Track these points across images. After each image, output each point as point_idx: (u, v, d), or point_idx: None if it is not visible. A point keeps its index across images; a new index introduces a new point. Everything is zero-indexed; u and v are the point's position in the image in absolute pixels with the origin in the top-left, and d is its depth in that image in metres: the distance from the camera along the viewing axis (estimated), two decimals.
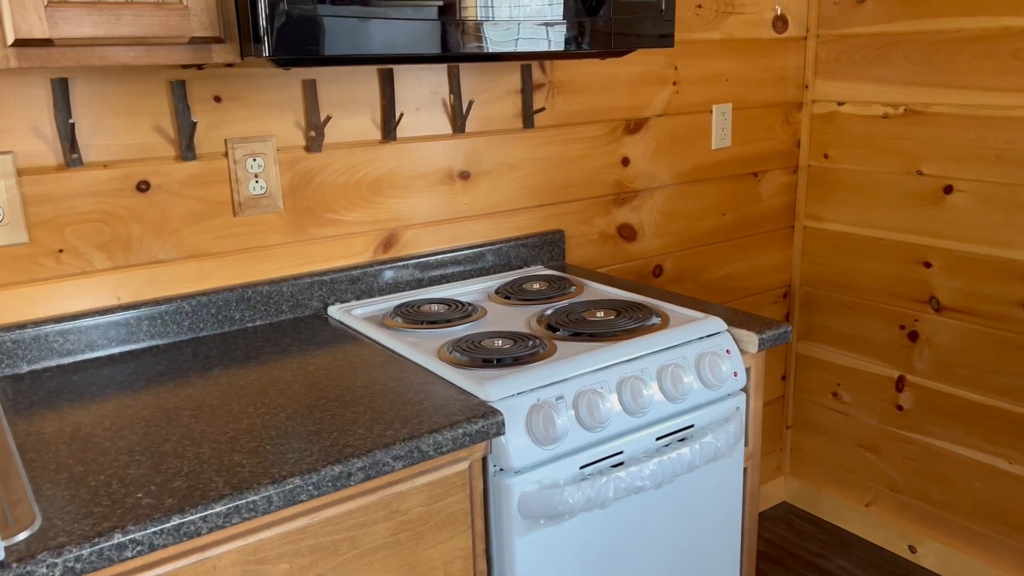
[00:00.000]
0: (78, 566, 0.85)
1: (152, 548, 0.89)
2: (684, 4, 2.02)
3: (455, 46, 1.27)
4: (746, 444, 1.52)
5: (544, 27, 1.36)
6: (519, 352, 1.30)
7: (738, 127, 2.22)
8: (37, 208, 1.33)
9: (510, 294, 1.65)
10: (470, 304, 1.57)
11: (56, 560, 0.84)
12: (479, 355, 1.30)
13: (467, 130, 1.75)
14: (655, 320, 1.46)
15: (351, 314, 1.54)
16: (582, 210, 1.97)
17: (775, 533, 2.48)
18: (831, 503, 2.51)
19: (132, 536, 0.88)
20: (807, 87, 2.34)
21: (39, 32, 1.01)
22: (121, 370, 1.33)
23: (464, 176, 1.77)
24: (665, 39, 1.50)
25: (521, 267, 1.87)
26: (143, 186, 1.41)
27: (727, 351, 1.40)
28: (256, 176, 1.50)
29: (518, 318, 1.52)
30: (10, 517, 0.89)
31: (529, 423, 1.19)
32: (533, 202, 1.88)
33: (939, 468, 2.23)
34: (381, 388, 1.22)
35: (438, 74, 1.69)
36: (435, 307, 1.55)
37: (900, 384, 2.27)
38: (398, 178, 1.68)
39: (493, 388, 1.19)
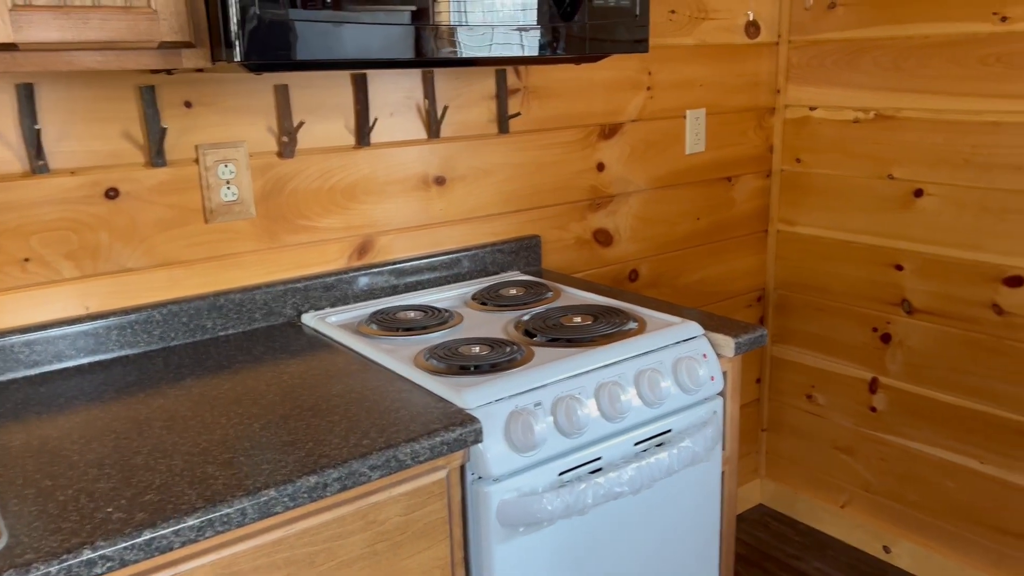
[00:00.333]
0: None
1: (123, 564, 0.87)
2: (658, 10, 2.03)
3: (429, 51, 1.26)
4: (723, 448, 1.52)
5: (518, 32, 1.35)
6: (496, 358, 1.30)
7: (712, 132, 2.23)
8: (2, 216, 1.30)
9: (487, 300, 1.64)
10: (446, 310, 1.56)
11: None
12: (456, 362, 1.29)
13: (442, 135, 1.74)
14: (632, 325, 1.46)
15: (326, 322, 1.53)
16: (558, 215, 1.97)
17: (752, 535, 2.49)
18: (807, 505, 2.53)
19: (102, 552, 0.86)
20: (779, 92, 2.36)
21: (3, 36, 0.99)
22: (90, 381, 1.30)
23: (439, 181, 1.76)
24: (639, 44, 1.50)
25: (497, 273, 1.86)
26: (112, 193, 1.39)
27: (704, 355, 1.40)
28: (228, 182, 1.48)
29: (495, 324, 1.51)
30: None
31: (507, 430, 1.18)
32: (509, 207, 1.88)
33: (912, 469, 2.25)
34: (357, 397, 1.21)
35: (412, 79, 1.68)
36: (411, 314, 1.54)
37: (873, 386, 2.30)
38: (372, 184, 1.66)
39: (470, 395, 1.18)
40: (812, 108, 2.29)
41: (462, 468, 1.17)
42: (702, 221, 2.28)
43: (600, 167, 2.02)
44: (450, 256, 1.78)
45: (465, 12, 1.29)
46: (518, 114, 1.83)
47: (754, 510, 2.63)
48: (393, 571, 1.11)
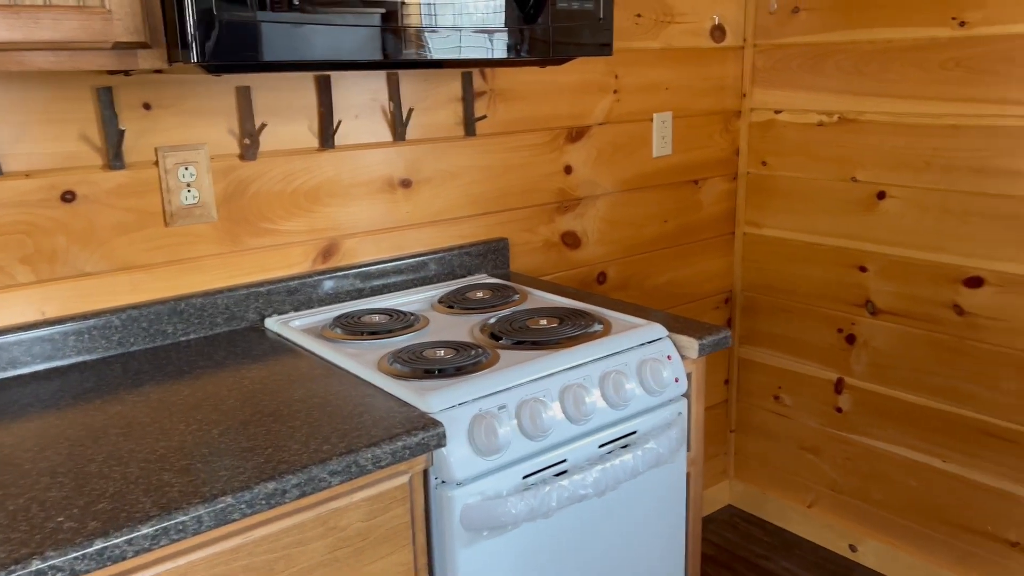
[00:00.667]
0: None
1: (73, 574, 0.85)
2: (623, 13, 2.04)
3: (394, 53, 1.26)
4: (688, 449, 1.53)
5: (483, 35, 1.35)
6: (461, 362, 1.29)
7: (678, 135, 2.24)
8: None
9: (453, 303, 1.63)
10: (412, 314, 1.55)
11: None
12: (420, 366, 1.28)
13: (408, 138, 1.73)
14: (597, 327, 1.46)
15: (289, 326, 1.51)
16: (526, 218, 1.97)
17: (720, 536, 2.50)
18: (775, 505, 2.55)
19: (51, 563, 0.84)
20: (745, 96, 2.38)
21: None
22: (46, 388, 1.28)
23: (405, 184, 1.75)
24: (604, 48, 1.51)
25: (465, 276, 1.85)
26: (68, 196, 1.36)
27: (668, 357, 1.41)
28: (188, 185, 1.46)
29: (461, 327, 1.50)
30: None
31: (471, 434, 1.18)
32: (476, 210, 1.87)
33: (877, 468, 2.27)
34: (319, 402, 1.19)
35: (377, 81, 1.67)
36: (376, 317, 1.53)
37: (839, 386, 2.32)
38: (337, 186, 1.65)
39: (434, 399, 1.17)
40: (777, 111, 2.32)
41: (425, 473, 1.16)
42: (669, 224, 2.29)
43: (568, 170, 2.02)
44: (417, 259, 1.77)
45: (435, 15, 1.28)
46: (484, 116, 1.83)
47: (723, 511, 2.64)
48: None
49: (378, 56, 1.24)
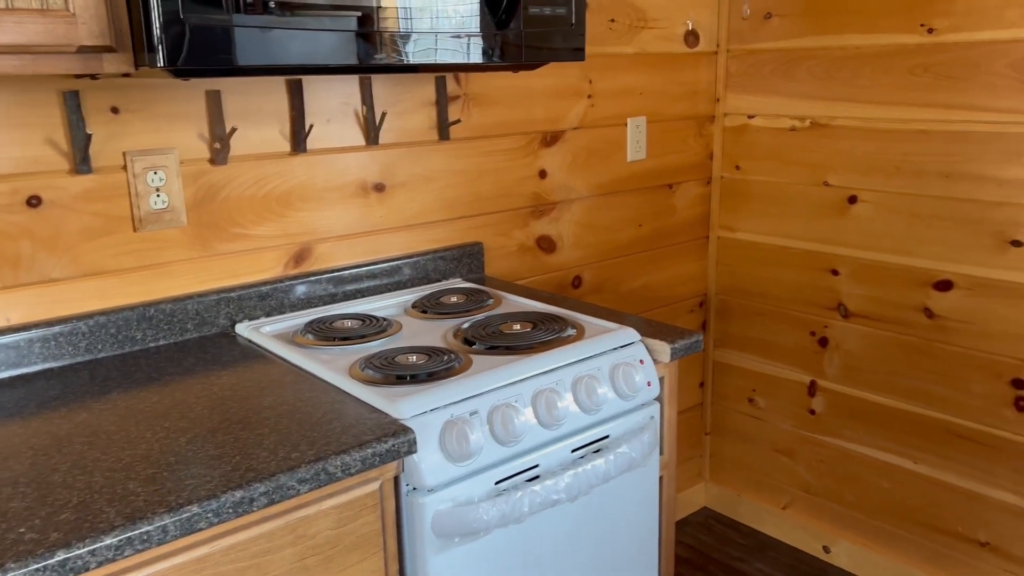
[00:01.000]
0: None
1: None
2: (597, 18, 2.05)
3: (368, 57, 1.25)
4: (661, 453, 1.53)
5: (456, 39, 1.35)
6: (433, 367, 1.28)
7: (653, 140, 2.25)
8: None
9: (427, 308, 1.63)
10: (385, 319, 1.54)
11: None
12: (392, 372, 1.27)
13: (381, 142, 1.72)
14: (570, 332, 1.46)
15: (260, 331, 1.50)
16: (501, 222, 1.97)
17: (696, 539, 2.51)
18: (750, 507, 2.56)
19: (12, 575, 0.82)
20: (718, 100, 2.39)
21: None
22: (10, 396, 1.26)
23: (379, 188, 1.74)
24: (577, 53, 1.51)
25: (439, 280, 1.85)
26: (34, 201, 1.34)
27: (640, 361, 1.41)
28: (157, 190, 1.45)
29: (434, 332, 1.50)
30: None
31: (442, 440, 1.17)
32: (451, 214, 1.87)
33: (850, 469, 2.29)
34: (288, 409, 1.18)
35: (349, 85, 1.66)
36: (348, 323, 1.52)
37: (812, 389, 2.34)
38: (310, 191, 1.64)
39: (405, 405, 1.16)
40: (750, 116, 2.33)
41: (396, 479, 1.16)
42: (644, 228, 2.30)
43: (542, 174, 2.03)
44: (390, 263, 1.76)
45: (411, 19, 1.28)
46: (459, 121, 1.83)
47: (699, 513, 2.66)
48: None
49: (352, 60, 1.23)
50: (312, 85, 1.61)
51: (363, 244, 1.74)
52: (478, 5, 1.36)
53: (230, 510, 0.96)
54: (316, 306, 1.66)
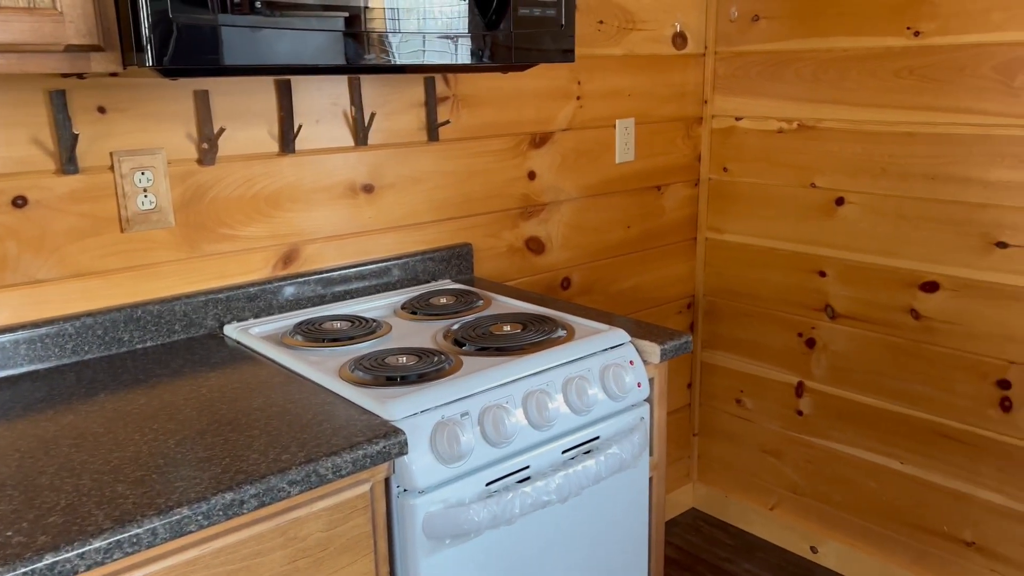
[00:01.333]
0: None
1: None
2: (586, 20, 2.05)
3: (356, 58, 1.25)
4: (651, 454, 1.54)
5: (446, 40, 1.35)
6: (424, 369, 1.28)
7: (641, 141, 2.26)
8: None
9: (416, 309, 1.62)
10: (375, 320, 1.54)
11: None
12: (382, 373, 1.27)
13: (370, 142, 1.72)
14: (561, 333, 1.46)
15: (248, 333, 1.49)
16: (490, 223, 1.97)
17: (684, 539, 2.52)
18: (737, 508, 2.57)
19: None
20: (706, 102, 2.40)
21: None
22: None
23: (368, 189, 1.73)
24: (566, 54, 1.51)
25: (428, 281, 1.85)
26: (19, 201, 1.33)
27: (630, 362, 1.41)
28: (145, 190, 1.44)
29: (424, 334, 1.49)
30: None
31: (433, 441, 1.17)
32: (440, 215, 1.87)
33: (837, 470, 2.31)
34: (278, 410, 1.18)
35: (338, 85, 1.65)
36: (338, 324, 1.52)
37: (799, 390, 2.35)
38: (298, 191, 1.63)
39: (396, 407, 1.16)
40: (738, 118, 2.34)
41: (387, 481, 1.15)
42: (633, 229, 2.30)
43: (532, 175, 2.03)
44: (379, 265, 1.76)
45: (398, 20, 1.27)
46: (448, 122, 1.82)
47: (687, 514, 2.66)
48: None
49: (340, 61, 1.23)
50: (301, 85, 1.60)
51: (352, 245, 1.73)
52: (467, 6, 1.36)
53: (220, 512, 0.95)
54: (305, 307, 1.65)
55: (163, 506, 0.92)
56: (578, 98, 2.08)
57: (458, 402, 1.22)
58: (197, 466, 1.02)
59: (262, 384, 1.28)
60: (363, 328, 1.49)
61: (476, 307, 1.63)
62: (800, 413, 2.36)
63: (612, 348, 1.42)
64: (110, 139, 1.40)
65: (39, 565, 0.84)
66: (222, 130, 1.50)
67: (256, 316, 1.59)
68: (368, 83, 1.69)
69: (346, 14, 1.22)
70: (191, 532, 0.93)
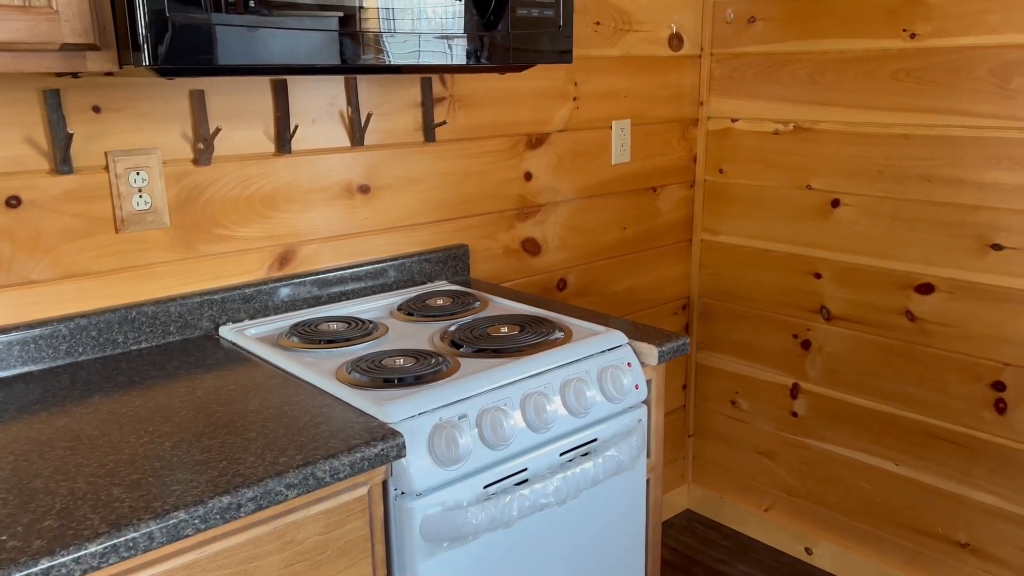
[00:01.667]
0: None
1: None
2: (582, 21, 2.05)
3: (352, 58, 1.24)
4: (648, 456, 1.53)
5: (442, 40, 1.34)
6: (421, 370, 1.28)
7: (637, 143, 2.26)
8: None
9: (413, 310, 1.62)
10: (371, 322, 1.53)
11: None
12: (379, 375, 1.26)
13: (366, 143, 1.71)
14: (558, 335, 1.45)
15: (244, 334, 1.48)
16: (486, 224, 1.96)
17: (679, 541, 2.52)
18: (732, 509, 2.57)
19: None
20: (702, 104, 2.40)
21: None
22: None
23: (364, 190, 1.73)
24: (564, 55, 1.51)
25: (424, 283, 1.84)
26: (13, 201, 1.32)
27: (628, 364, 1.41)
28: (140, 191, 1.42)
29: (421, 335, 1.49)
30: None
31: (431, 444, 1.16)
32: (436, 216, 1.86)
33: (832, 472, 2.31)
34: (275, 412, 1.17)
35: (335, 85, 1.65)
36: (334, 325, 1.51)
37: (794, 391, 2.35)
38: (294, 192, 1.62)
39: (393, 409, 1.15)
40: (734, 120, 2.34)
41: (384, 484, 1.15)
42: (629, 230, 2.30)
43: (528, 176, 2.02)
44: (375, 266, 1.75)
45: (393, 20, 1.27)
46: (444, 123, 1.82)
47: (682, 515, 2.66)
48: None
49: (336, 61, 1.22)
50: (297, 85, 1.59)
51: (348, 246, 1.72)
52: (464, 6, 1.35)
53: (217, 516, 0.94)
54: (301, 308, 1.64)
55: (159, 510, 0.92)
56: (574, 99, 2.08)
57: (456, 404, 1.21)
58: (193, 469, 1.01)
59: (258, 386, 1.27)
60: (359, 330, 1.48)
61: (473, 308, 1.62)
62: (795, 415, 2.36)
63: (610, 350, 1.42)
64: (105, 139, 1.39)
65: (34, 570, 0.83)
66: (218, 130, 1.49)
67: (252, 317, 1.58)
68: (364, 83, 1.68)
69: (341, 14, 1.21)
70: (188, 536, 0.93)
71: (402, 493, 1.15)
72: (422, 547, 1.16)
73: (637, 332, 1.49)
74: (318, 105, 1.63)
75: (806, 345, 2.30)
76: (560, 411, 1.31)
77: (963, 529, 2.07)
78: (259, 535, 1.01)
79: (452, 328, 1.50)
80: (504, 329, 1.47)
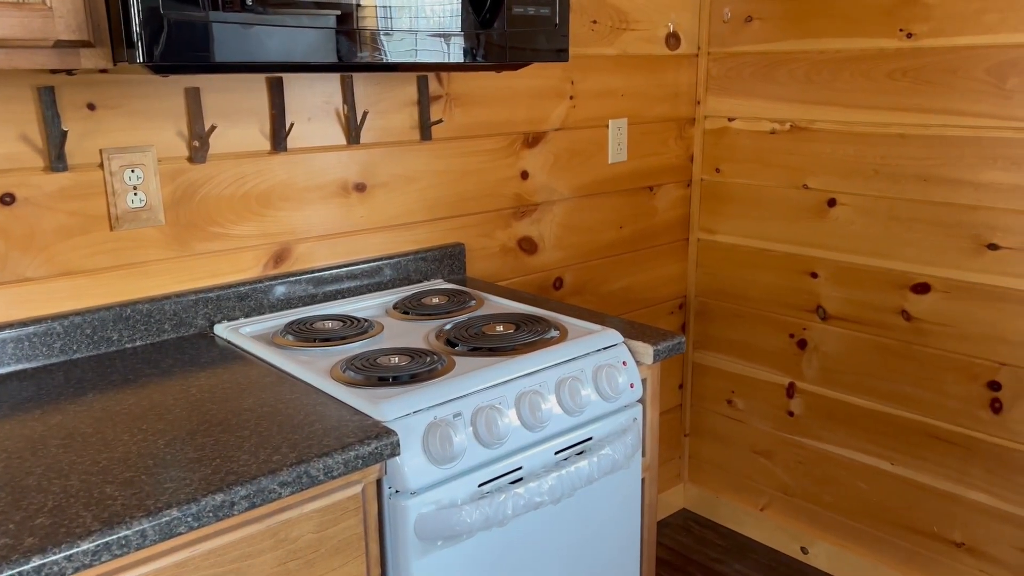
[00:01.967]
0: None
1: None
2: (579, 19, 2.04)
3: (348, 56, 1.24)
4: (643, 455, 1.53)
5: (439, 39, 1.34)
6: (416, 369, 1.27)
7: (634, 142, 2.25)
8: None
9: (408, 309, 1.61)
10: (366, 320, 1.53)
11: None
12: (374, 373, 1.26)
13: (362, 141, 1.71)
14: (553, 333, 1.45)
15: (239, 332, 1.48)
16: (482, 223, 1.96)
17: (675, 540, 2.52)
18: (728, 508, 2.57)
19: None
20: (699, 103, 2.40)
21: None
22: None
23: (360, 188, 1.72)
24: (560, 54, 1.51)
25: (420, 281, 1.84)
26: (7, 199, 1.32)
27: (623, 363, 1.41)
28: (135, 188, 1.42)
29: (416, 334, 1.49)
30: None
31: (426, 442, 1.16)
32: (432, 215, 1.86)
33: (828, 471, 2.31)
34: (269, 411, 1.17)
35: (331, 84, 1.64)
36: (329, 324, 1.51)
37: (791, 391, 2.35)
38: (290, 190, 1.62)
39: (388, 407, 1.15)
40: (731, 119, 2.34)
41: (378, 482, 1.15)
42: (625, 229, 2.30)
43: (524, 175, 2.02)
44: (371, 264, 1.75)
45: (390, 18, 1.27)
46: (441, 121, 1.82)
47: (678, 514, 2.66)
48: None
49: (333, 59, 1.22)
50: (293, 83, 1.59)
51: (343, 244, 1.72)
52: (460, 4, 1.35)
53: (210, 514, 0.94)
54: (296, 307, 1.64)
55: (152, 507, 0.91)
56: (571, 98, 2.08)
57: (450, 403, 1.21)
58: (187, 467, 1.01)
59: (253, 384, 1.27)
60: (355, 328, 1.48)
61: (469, 307, 1.62)
62: (791, 414, 2.36)
63: (605, 349, 1.42)
64: (100, 136, 1.39)
65: (26, 567, 0.82)
66: (213, 128, 1.48)
67: (247, 315, 1.57)
68: (361, 81, 1.68)
69: (338, 12, 1.21)
70: (181, 534, 0.92)
71: (396, 491, 1.15)
72: (416, 545, 1.16)
73: (633, 331, 1.49)
74: (314, 103, 1.62)
75: (802, 344, 2.30)
76: (555, 410, 1.31)
77: (959, 528, 2.07)
78: (252, 533, 1.01)
79: (447, 327, 1.50)
80: (499, 328, 1.47)
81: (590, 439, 1.37)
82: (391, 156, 1.76)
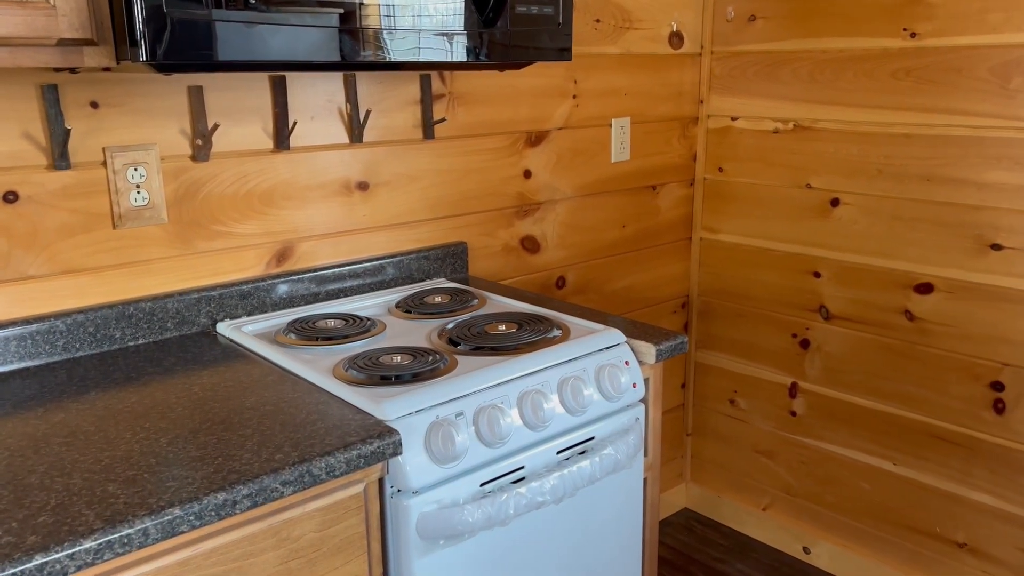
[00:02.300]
0: None
1: None
2: (583, 18, 2.04)
3: (351, 54, 1.24)
4: (646, 454, 1.53)
5: (442, 37, 1.34)
6: (418, 368, 1.27)
7: (637, 141, 2.25)
8: None
9: (411, 308, 1.61)
10: (369, 319, 1.53)
11: None
12: (376, 372, 1.26)
13: (365, 140, 1.71)
14: (556, 333, 1.45)
15: (241, 331, 1.48)
16: (485, 222, 1.96)
17: (677, 539, 2.52)
18: (731, 508, 2.57)
19: None
20: (702, 102, 2.40)
21: None
22: None
23: (362, 187, 1.72)
24: (563, 53, 1.51)
25: (423, 280, 1.84)
26: (11, 197, 1.32)
27: (626, 363, 1.41)
28: (138, 186, 1.42)
29: (418, 333, 1.49)
30: None
31: (428, 442, 1.16)
32: (435, 214, 1.86)
33: (831, 471, 2.31)
34: (271, 409, 1.17)
35: (334, 82, 1.64)
36: (331, 322, 1.51)
37: (793, 390, 2.35)
38: (292, 189, 1.62)
39: (390, 406, 1.15)
40: (734, 118, 2.34)
41: (380, 481, 1.15)
42: (628, 229, 2.30)
43: (527, 174, 2.02)
44: (374, 263, 1.75)
45: (393, 16, 1.27)
46: (443, 120, 1.82)
47: (680, 514, 2.66)
48: None
49: (335, 57, 1.22)
50: (296, 82, 1.59)
51: (346, 243, 1.72)
52: (464, 3, 1.35)
53: (212, 513, 0.94)
54: (298, 305, 1.64)
55: (155, 506, 0.91)
56: (574, 97, 2.07)
57: (453, 402, 1.21)
58: (189, 465, 1.01)
59: (255, 383, 1.27)
60: (357, 327, 1.48)
61: (471, 306, 1.62)
62: (793, 414, 2.36)
63: (608, 348, 1.42)
64: (103, 134, 1.39)
65: (29, 566, 0.82)
66: (216, 126, 1.48)
67: (249, 314, 1.57)
68: (363, 80, 1.68)
69: (341, 10, 1.21)
70: (183, 532, 0.92)
71: (398, 491, 1.15)
72: (418, 545, 1.16)
73: (635, 330, 1.49)
74: (317, 102, 1.62)
75: (805, 344, 2.29)
76: (557, 409, 1.31)
77: (961, 529, 2.07)
78: (254, 532, 1.01)
79: (450, 326, 1.50)
80: (502, 327, 1.47)
81: (592, 439, 1.37)
82: (394, 155, 1.76)
